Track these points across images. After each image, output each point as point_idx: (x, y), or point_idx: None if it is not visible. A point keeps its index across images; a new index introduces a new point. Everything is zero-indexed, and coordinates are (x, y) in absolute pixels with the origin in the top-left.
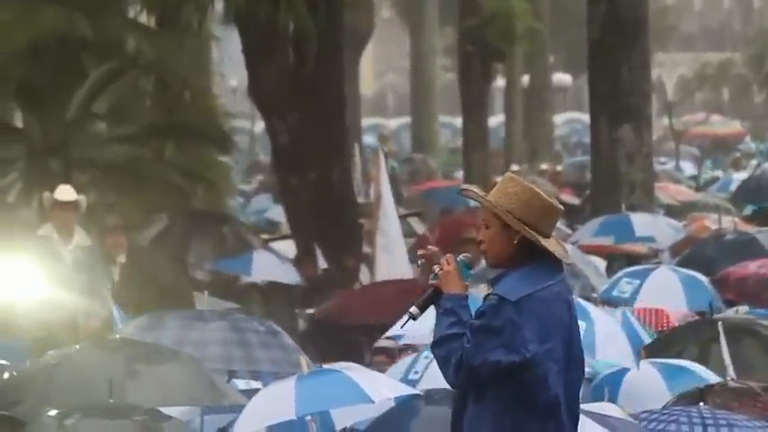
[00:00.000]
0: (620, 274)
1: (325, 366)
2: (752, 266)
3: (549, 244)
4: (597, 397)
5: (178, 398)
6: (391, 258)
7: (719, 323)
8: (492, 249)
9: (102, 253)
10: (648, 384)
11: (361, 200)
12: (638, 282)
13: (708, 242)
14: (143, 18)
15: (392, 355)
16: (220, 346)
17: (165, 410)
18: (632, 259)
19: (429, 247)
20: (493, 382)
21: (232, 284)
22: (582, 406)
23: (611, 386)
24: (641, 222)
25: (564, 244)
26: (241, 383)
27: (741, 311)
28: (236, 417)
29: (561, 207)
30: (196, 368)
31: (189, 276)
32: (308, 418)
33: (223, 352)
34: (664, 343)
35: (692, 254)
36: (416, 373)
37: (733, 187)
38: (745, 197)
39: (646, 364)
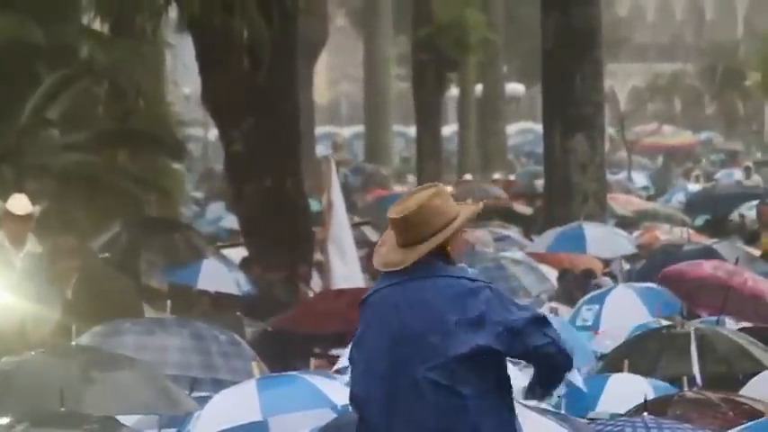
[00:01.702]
0: (579, 303)
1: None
2: (707, 266)
3: (379, 251)
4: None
5: (132, 406)
6: (344, 267)
7: (692, 330)
8: None
9: (55, 270)
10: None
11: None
12: (597, 306)
13: (664, 252)
14: (97, 25)
15: (333, 361)
16: (180, 353)
17: (122, 419)
18: (587, 273)
19: None
20: None
21: (188, 291)
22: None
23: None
24: (594, 238)
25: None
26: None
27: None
28: (187, 422)
29: (393, 217)
30: (151, 376)
31: (141, 286)
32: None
33: (182, 358)
34: (625, 353)
35: (649, 265)
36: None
37: (684, 197)
38: (699, 208)
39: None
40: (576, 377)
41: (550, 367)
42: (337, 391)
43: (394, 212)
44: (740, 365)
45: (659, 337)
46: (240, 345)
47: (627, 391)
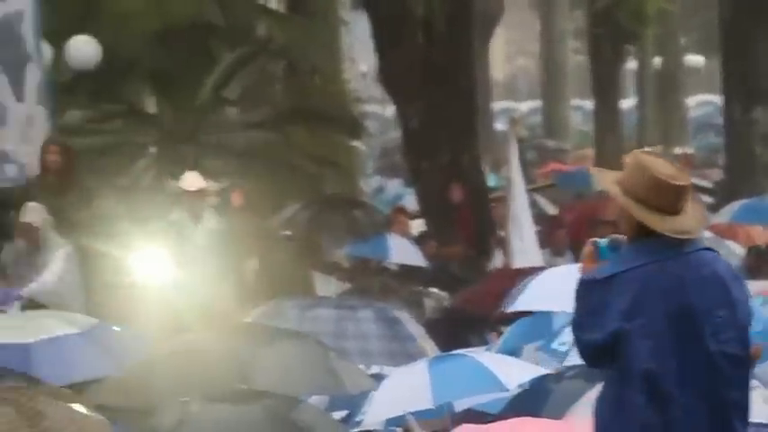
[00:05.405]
0: None
1: (455, 352)
2: None
3: (657, 220)
4: None
5: (303, 386)
6: (521, 243)
7: None
8: (621, 228)
9: (238, 249)
10: None
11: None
12: None
13: None
14: (273, 4)
15: None
16: (333, 339)
17: None
18: None
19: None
20: (592, 359)
21: (365, 267)
22: None
23: None
24: None
25: (700, 219)
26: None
27: None
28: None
29: (677, 183)
30: (322, 354)
31: (324, 262)
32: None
33: (336, 345)
34: None
35: None
36: (563, 344)
37: None
38: None
39: None
40: None
41: None
42: (509, 371)
43: (670, 177)
44: None
45: None
46: (398, 323)
47: None
